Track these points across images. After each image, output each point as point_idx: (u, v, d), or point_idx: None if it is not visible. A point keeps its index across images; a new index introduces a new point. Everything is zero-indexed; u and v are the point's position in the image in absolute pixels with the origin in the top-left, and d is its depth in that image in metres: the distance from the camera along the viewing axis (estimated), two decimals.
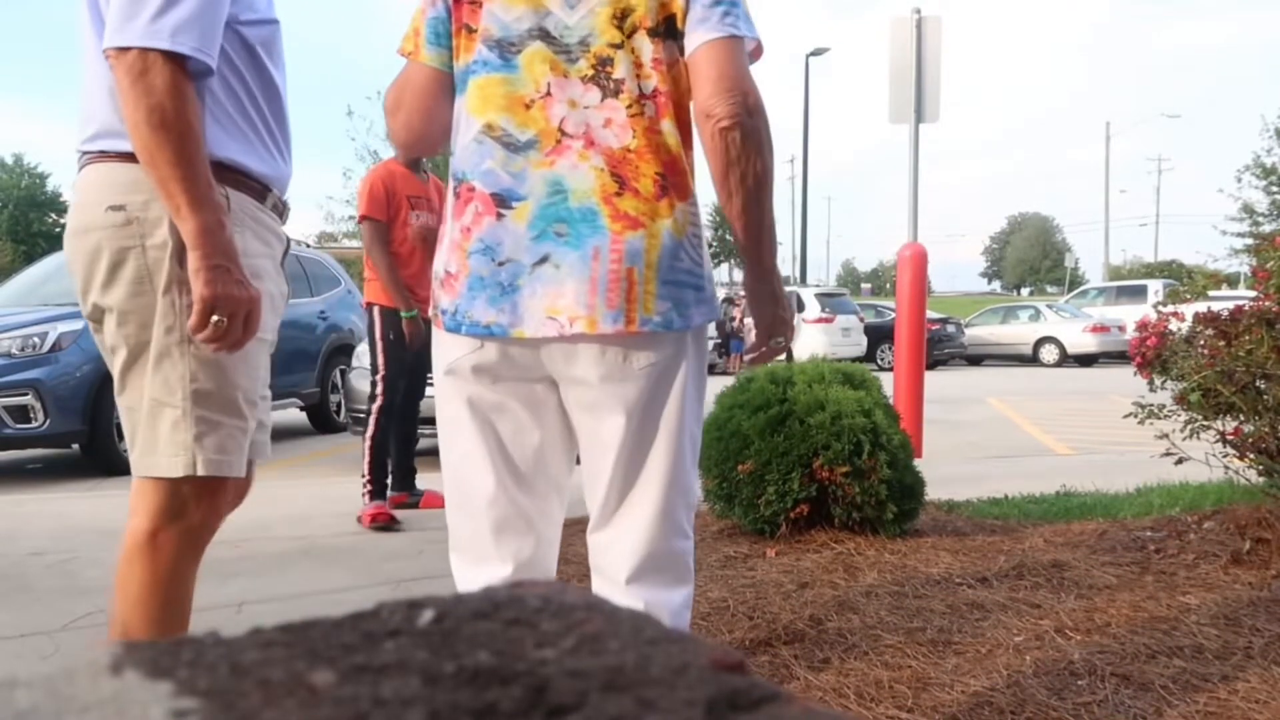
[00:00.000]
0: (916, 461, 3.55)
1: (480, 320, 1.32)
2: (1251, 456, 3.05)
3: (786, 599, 2.64)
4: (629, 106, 1.31)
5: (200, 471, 1.56)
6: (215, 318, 1.47)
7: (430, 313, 1.44)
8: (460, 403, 1.40)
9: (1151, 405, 3.21)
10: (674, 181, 1.33)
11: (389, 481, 4.23)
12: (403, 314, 3.93)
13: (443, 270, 1.38)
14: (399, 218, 4.02)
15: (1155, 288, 19.16)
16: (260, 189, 1.65)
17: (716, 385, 4.62)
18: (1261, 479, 3.08)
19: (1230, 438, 3.08)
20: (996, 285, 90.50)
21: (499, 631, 0.31)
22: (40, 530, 3.89)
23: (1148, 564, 2.91)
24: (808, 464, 3.20)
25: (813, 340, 17.00)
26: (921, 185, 6.31)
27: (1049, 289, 70.80)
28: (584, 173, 1.30)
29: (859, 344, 18.23)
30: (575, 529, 3.76)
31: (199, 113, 1.48)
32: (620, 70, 1.31)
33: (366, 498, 4.02)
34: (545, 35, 1.31)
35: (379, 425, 4.09)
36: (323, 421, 8.17)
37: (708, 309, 1.37)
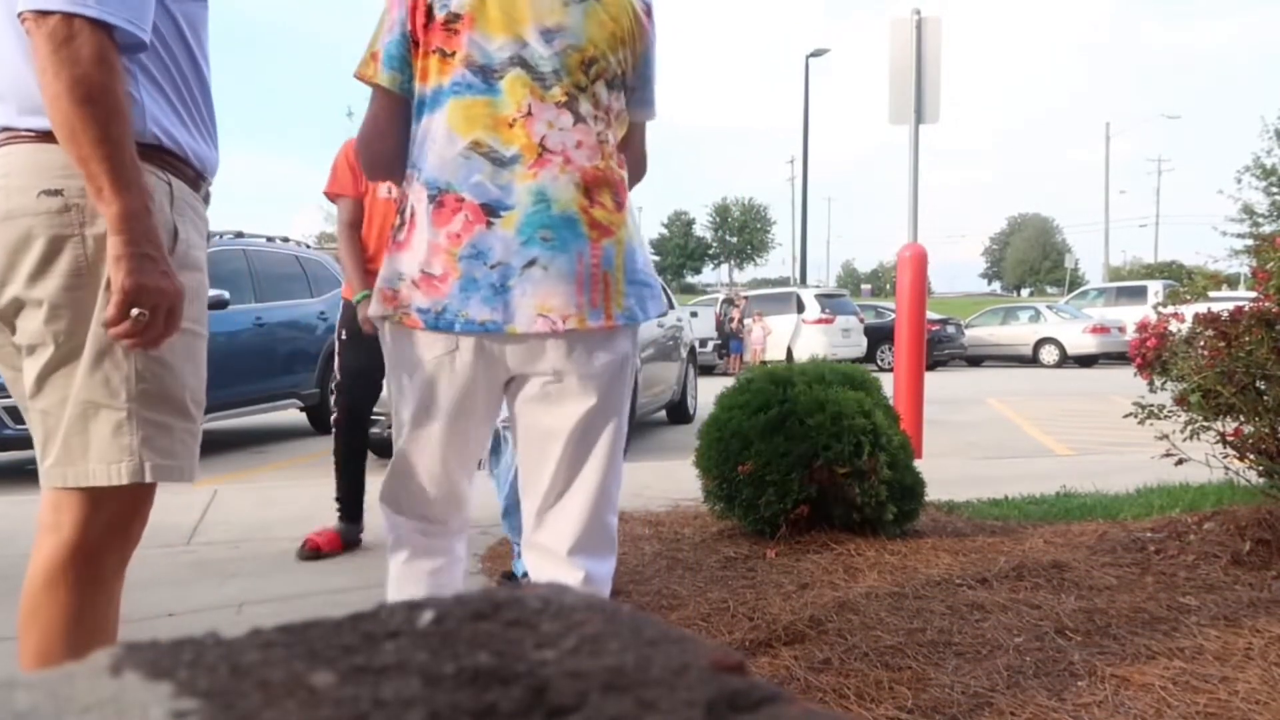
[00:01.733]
0: (916, 462, 3.55)
1: (475, 318, 1.43)
2: (1252, 457, 3.05)
3: (786, 600, 2.64)
4: (597, 134, 1.51)
5: (148, 478, 1.43)
6: (135, 311, 1.36)
7: (390, 314, 1.50)
8: (432, 397, 1.51)
9: (1151, 406, 3.21)
10: (623, 199, 1.53)
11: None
12: (356, 297, 3.45)
13: (418, 272, 1.46)
14: (369, 194, 3.57)
15: (1155, 289, 19.17)
16: (195, 177, 1.56)
17: (716, 385, 4.61)
18: (1262, 480, 3.08)
19: (1230, 439, 3.08)
20: (996, 286, 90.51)
21: (499, 632, 0.31)
22: None
23: (1148, 565, 2.91)
24: (808, 465, 3.20)
25: (812, 341, 17.01)
26: (921, 186, 6.32)
27: (1049, 290, 70.80)
28: (564, 185, 1.45)
29: (859, 345, 18.24)
30: None
31: (125, 88, 1.37)
32: (585, 107, 1.50)
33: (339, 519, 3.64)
34: (524, 63, 1.47)
35: (338, 440, 3.64)
36: (323, 422, 8.18)
37: (658, 304, 1.56)
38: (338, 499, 3.64)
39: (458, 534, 1.65)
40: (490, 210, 1.44)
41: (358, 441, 3.68)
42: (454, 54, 1.47)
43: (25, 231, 1.39)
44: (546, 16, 1.48)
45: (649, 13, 1.58)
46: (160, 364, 1.45)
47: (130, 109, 1.38)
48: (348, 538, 3.58)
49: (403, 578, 1.64)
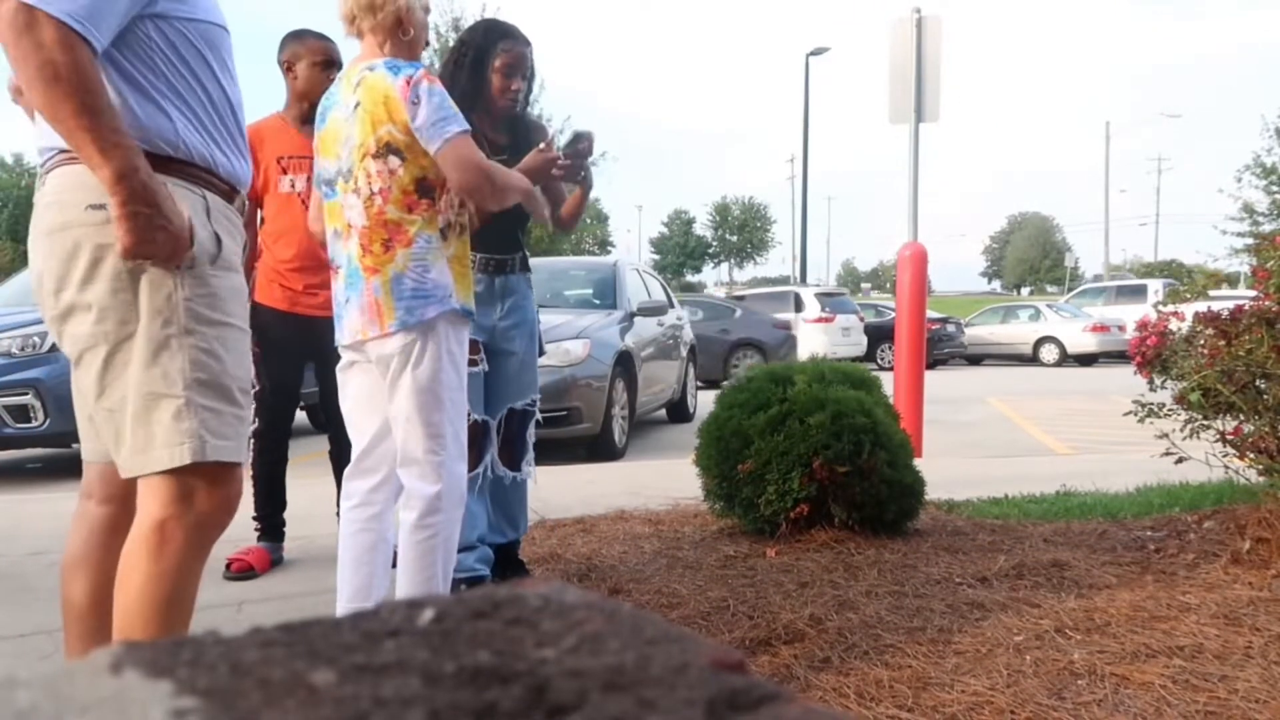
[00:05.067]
0: (916, 461, 3.55)
1: (338, 337, 2.29)
2: (1251, 456, 3.05)
3: (786, 598, 2.64)
4: (365, 202, 2.18)
5: (210, 457, 1.58)
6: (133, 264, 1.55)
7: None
8: (342, 374, 2.37)
9: (1151, 404, 3.21)
10: (397, 238, 2.17)
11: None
12: None
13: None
14: (269, 187, 3.24)
15: (1155, 287, 19.16)
16: (229, 190, 1.71)
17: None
18: (1261, 479, 3.08)
19: (1230, 437, 3.07)
20: (996, 285, 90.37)
21: (499, 631, 0.31)
22: (40, 530, 3.89)
23: (1148, 564, 2.91)
24: (808, 463, 3.19)
25: (812, 340, 16.98)
26: (921, 185, 6.31)
27: (1049, 289, 70.71)
28: (354, 246, 2.20)
29: (859, 344, 18.21)
30: (573, 528, 3.76)
31: (93, 61, 1.47)
32: (361, 182, 2.18)
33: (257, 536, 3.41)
34: (340, 172, 2.22)
35: (256, 453, 3.31)
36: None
37: (435, 306, 2.17)
38: (255, 517, 3.40)
39: (386, 486, 2.30)
40: (337, 269, 2.26)
41: (276, 456, 3.43)
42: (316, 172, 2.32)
43: (75, 242, 1.56)
44: (342, 133, 2.21)
45: (409, 82, 2.11)
46: (211, 355, 1.61)
47: (103, 80, 1.49)
48: (273, 556, 3.38)
49: (345, 521, 2.31)
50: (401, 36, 2.24)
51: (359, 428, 2.34)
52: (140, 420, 1.56)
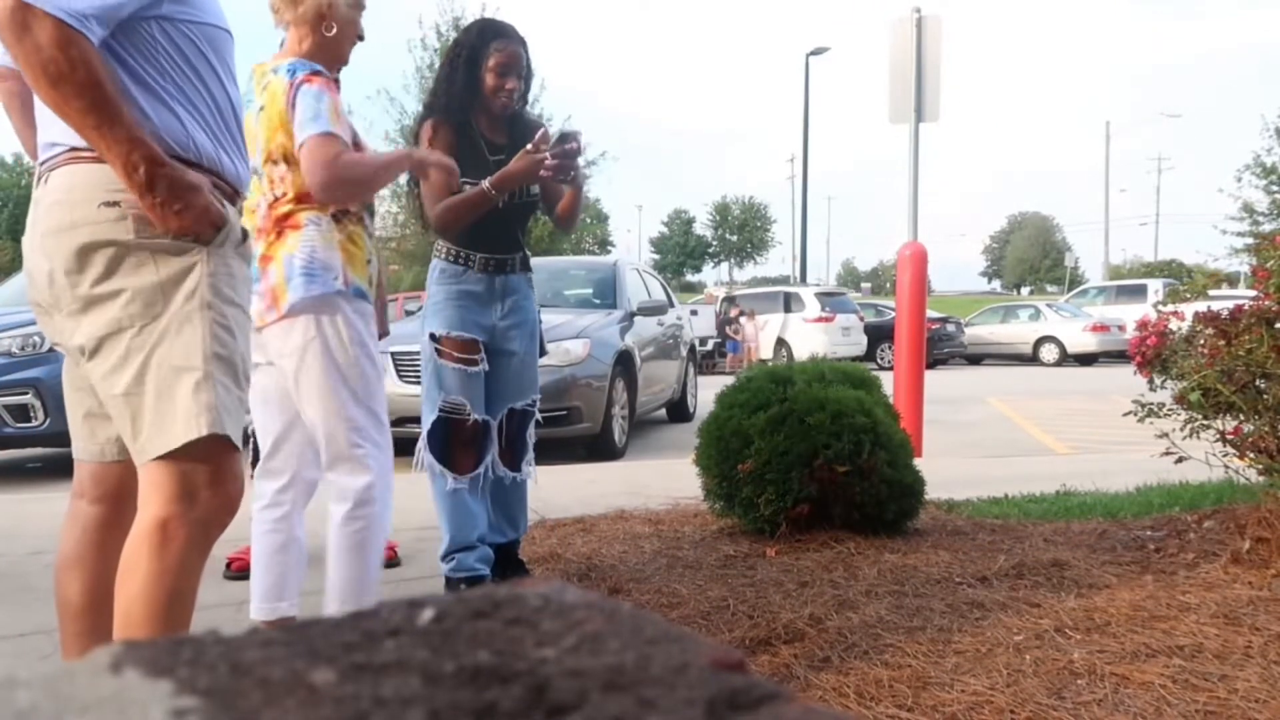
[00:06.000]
0: (916, 461, 3.55)
1: None
2: (1251, 456, 3.05)
3: (787, 598, 2.64)
4: (270, 201, 2.19)
5: (224, 429, 1.60)
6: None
7: None
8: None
9: (1151, 404, 3.21)
10: (289, 226, 2.17)
11: None
12: None
13: None
14: None
15: (1155, 287, 19.18)
16: (232, 192, 1.73)
17: (716, 384, 4.61)
18: (1261, 478, 3.08)
19: (1230, 437, 3.07)
20: (996, 285, 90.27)
21: (499, 631, 0.31)
22: (40, 530, 3.88)
23: (1148, 563, 2.91)
24: (808, 463, 3.19)
25: (812, 339, 16.98)
26: (921, 185, 6.31)
27: (1049, 288, 70.63)
28: (258, 245, 2.18)
29: (859, 343, 18.22)
30: (573, 527, 3.76)
31: (95, 54, 1.48)
32: (264, 184, 2.19)
33: None
34: (256, 171, 2.17)
35: (255, 451, 3.26)
36: None
37: (319, 285, 2.15)
38: None
39: (294, 487, 2.32)
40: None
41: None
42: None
43: (90, 238, 1.57)
44: (250, 133, 2.13)
45: (292, 84, 2.12)
46: (227, 331, 1.64)
47: (106, 71, 1.50)
48: None
49: (256, 521, 2.31)
50: (325, 33, 2.21)
51: (263, 428, 2.35)
52: (163, 397, 1.58)
